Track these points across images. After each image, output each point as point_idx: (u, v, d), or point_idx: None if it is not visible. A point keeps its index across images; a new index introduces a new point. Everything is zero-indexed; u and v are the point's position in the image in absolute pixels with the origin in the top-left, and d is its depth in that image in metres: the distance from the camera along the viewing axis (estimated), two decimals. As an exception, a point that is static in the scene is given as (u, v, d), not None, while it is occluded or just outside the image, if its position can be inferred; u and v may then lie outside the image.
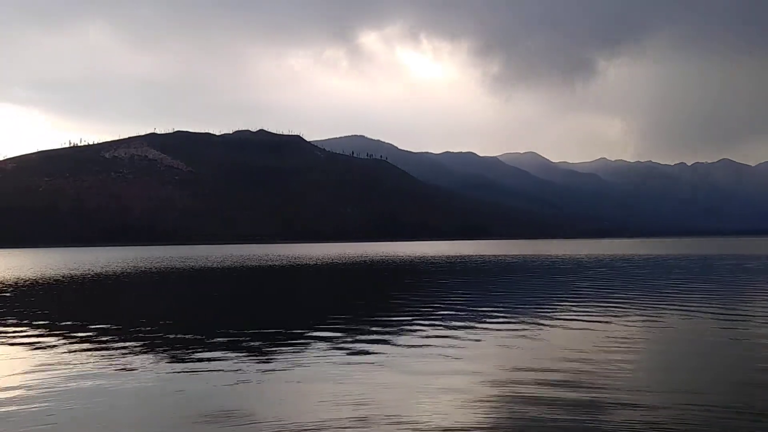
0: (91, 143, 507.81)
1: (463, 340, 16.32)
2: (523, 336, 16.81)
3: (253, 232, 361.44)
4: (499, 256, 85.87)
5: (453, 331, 17.77)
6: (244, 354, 14.81)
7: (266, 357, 14.43)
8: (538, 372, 12.39)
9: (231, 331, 18.81)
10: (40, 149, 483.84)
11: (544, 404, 10.14)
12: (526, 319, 19.91)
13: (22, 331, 19.13)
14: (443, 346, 15.35)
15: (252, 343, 16.30)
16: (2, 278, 48.04)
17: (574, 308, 22.79)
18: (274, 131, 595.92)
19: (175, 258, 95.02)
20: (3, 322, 21.54)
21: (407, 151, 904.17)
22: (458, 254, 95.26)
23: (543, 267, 55.56)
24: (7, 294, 33.81)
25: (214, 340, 17.05)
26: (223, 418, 9.66)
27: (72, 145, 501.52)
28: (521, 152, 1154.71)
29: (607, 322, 19.24)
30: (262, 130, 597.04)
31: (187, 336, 17.92)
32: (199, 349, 15.56)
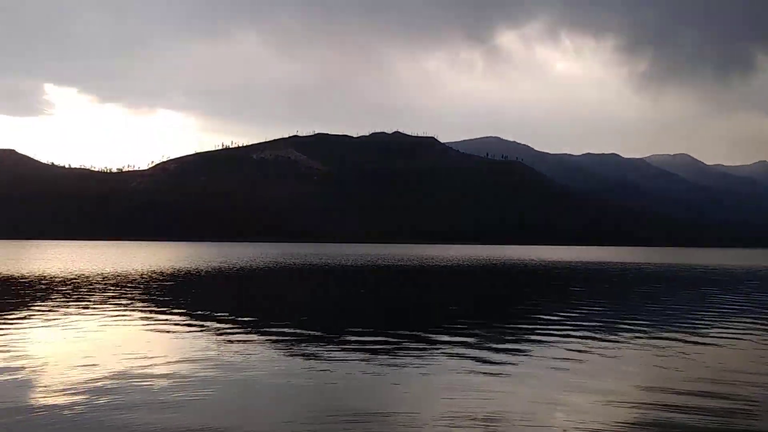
0: (241, 145, 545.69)
1: (599, 354, 15.49)
2: (665, 353, 15.62)
3: (386, 232, 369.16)
4: (641, 264, 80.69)
5: (588, 342, 16.92)
6: (376, 354, 15.11)
7: (398, 358, 14.62)
8: (681, 395, 11.44)
9: (365, 329, 19.30)
10: (197, 151, 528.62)
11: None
12: (668, 335, 18.49)
13: (172, 319, 20.95)
14: (577, 360, 14.66)
15: (385, 344, 16.58)
16: (160, 268, 53.01)
17: (723, 323, 20.83)
18: (409, 133, 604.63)
19: (312, 255, 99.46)
20: (155, 309, 23.74)
21: (544, 152, 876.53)
22: (596, 260, 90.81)
23: (690, 277, 51.41)
24: (166, 283, 37.22)
25: (348, 338, 17.58)
26: (355, 417, 9.93)
27: (225, 147, 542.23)
28: (671, 154, 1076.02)
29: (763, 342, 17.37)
30: (397, 132, 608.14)
31: (322, 332, 18.66)
32: (334, 346, 16.11)
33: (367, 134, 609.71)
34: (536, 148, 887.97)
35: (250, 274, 48.21)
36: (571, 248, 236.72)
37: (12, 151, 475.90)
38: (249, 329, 18.91)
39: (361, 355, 14.90)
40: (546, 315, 23.30)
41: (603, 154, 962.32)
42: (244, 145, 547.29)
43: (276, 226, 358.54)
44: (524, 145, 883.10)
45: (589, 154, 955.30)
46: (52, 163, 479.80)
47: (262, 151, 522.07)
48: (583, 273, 57.36)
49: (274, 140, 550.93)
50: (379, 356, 14.84)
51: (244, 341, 16.71)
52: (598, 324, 21.04)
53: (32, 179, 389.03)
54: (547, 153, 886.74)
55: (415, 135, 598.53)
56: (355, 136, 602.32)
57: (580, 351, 15.86)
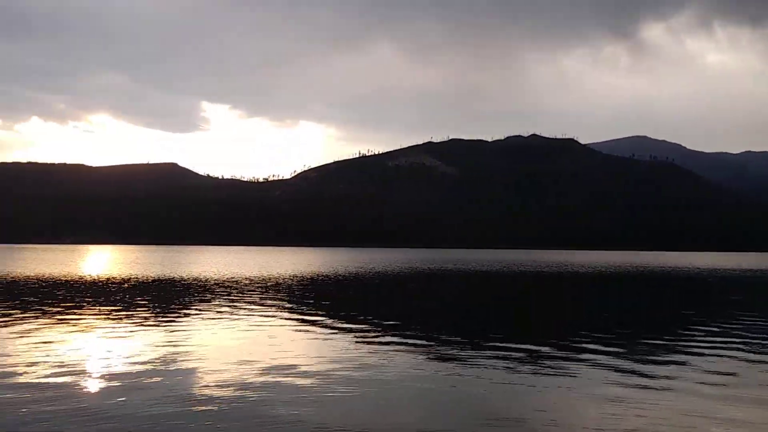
0: (377, 153, 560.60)
1: (759, 369, 13.92)
2: None
3: (523, 237, 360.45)
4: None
5: (748, 356, 15.26)
6: (517, 360, 14.71)
7: (540, 366, 14.12)
8: None
9: (504, 336, 18.90)
10: (336, 160, 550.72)
11: None
12: None
13: (315, 320, 21.81)
14: (735, 373, 13.26)
15: (526, 351, 16.09)
16: (303, 272, 55.68)
17: None
18: (547, 135, 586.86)
19: (448, 261, 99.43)
20: (300, 311, 24.85)
21: (698, 151, 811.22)
22: (760, 267, 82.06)
23: None
24: (309, 286, 39.02)
25: (487, 343, 17.27)
26: (494, 421, 9.71)
27: (361, 155, 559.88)
28: None
29: None
30: (534, 135, 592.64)
31: (460, 337, 18.50)
32: (472, 351, 15.91)
33: (503, 138, 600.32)
34: (689, 147, 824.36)
35: (386, 279, 49.19)
36: (730, 255, 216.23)
37: (174, 165, 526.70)
38: (388, 332, 19.23)
39: (501, 362, 14.56)
40: (702, 326, 21.39)
41: (765, 151, 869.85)
42: (380, 152, 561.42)
43: (411, 231, 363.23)
44: (675, 144, 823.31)
45: (749, 152, 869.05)
46: (208, 175, 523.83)
47: (397, 158, 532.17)
48: (745, 282, 52.08)
49: (409, 147, 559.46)
50: (520, 363, 14.42)
51: (384, 343, 17.01)
52: (759, 337, 18.94)
53: (191, 189, 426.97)
54: (702, 152, 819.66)
55: (554, 137, 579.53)
56: (490, 140, 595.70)
57: (738, 364, 14.39)
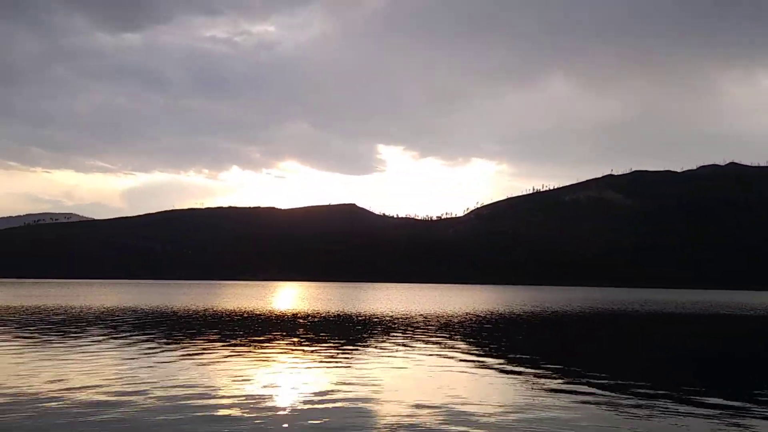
0: (552, 188, 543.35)
1: None
2: None
3: (718, 275, 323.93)
4: None
5: None
6: (717, 414, 13.04)
7: (747, 420, 12.36)
8: None
9: (701, 385, 16.89)
10: (508, 196, 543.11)
11: None
12: None
13: (489, 361, 21.23)
14: None
15: (730, 404, 14.24)
16: (477, 310, 54.96)
17: None
18: (748, 163, 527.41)
19: (631, 301, 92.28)
20: (473, 350, 24.38)
21: None
22: None
23: None
24: (483, 325, 38.37)
25: (681, 394, 15.54)
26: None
27: (535, 191, 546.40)
28: None
29: None
30: (732, 163, 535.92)
31: (647, 383, 16.87)
32: (666, 402, 14.41)
33: (695, 167, 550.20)
34: None
35: (564, 320, 46.81)
36: None
37: (353, 205, 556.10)
38: (566, 376, 18.13)
39: (701, 414, 12.96)
40: None
41: None
42: (555, 188, 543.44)
43: (590, 269, 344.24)
44: None
45: None
46: (384, 214, 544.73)
47: (574, 193, 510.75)
48: None
49: (587, 181, 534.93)
50: (722, 417, 12.71)
51: (568, 392, 16.03)
52: None
53: (369, 229, 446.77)
54: None
55: (756, 165, 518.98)
56: (679, 171, 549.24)
57: None
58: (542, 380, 17.40)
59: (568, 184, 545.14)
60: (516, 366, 20.17)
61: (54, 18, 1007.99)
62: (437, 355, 22.54)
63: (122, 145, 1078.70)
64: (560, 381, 17.37)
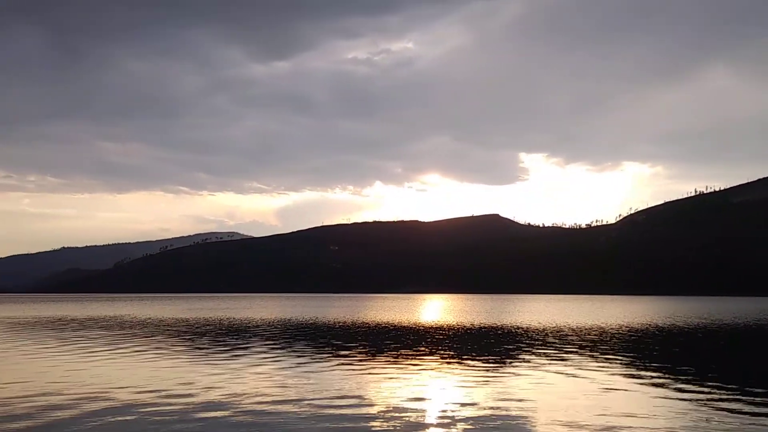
0: (717, 190, 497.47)
1: None
2: None
3: None
4: None
5: None
6: None
7: None
8: None
9: None
10: (666, 200, 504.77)
11: None
12: None
13: (647, 375, 19.67)
14: None
15: None
16: (632, 323, 51.35)
17: None
18: None
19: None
20: (636, 364, 22.72)
21: None
22: None
23: None
24: (635, 337, 35.78)
25: None
26: None
27: (698, 193, 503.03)
28: None
29: None
30: None
31: None
32: None
33: None
34: None
35: (738, 334, 42.26)
36: None
37: (496, 215, 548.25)
38: (744, 396, 16.28)
39: None
40: None
41: None
42: (721, 189, 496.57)
43: (765, 278, 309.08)
44: None
45: None
46: (529, 224, 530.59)
47: (744, 194, 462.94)
48: None
49: (759, 180, 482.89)
50: None
51: (740, 411, 14.42)
52: None
53: (513, 239, 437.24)
54: None
55: None
56: None
57: None
58: (714, 400, 15.78)
59: (735, 184, 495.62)
60: (682, 384, 18.50)
61: (213, 52, 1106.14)
62: (592, 370, 21.34)
63: (275, 167, 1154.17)
64: (736, 401, 15.63)
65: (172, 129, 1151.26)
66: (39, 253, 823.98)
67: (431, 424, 12.93)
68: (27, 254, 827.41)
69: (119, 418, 13.33)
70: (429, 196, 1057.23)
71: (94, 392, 16.44)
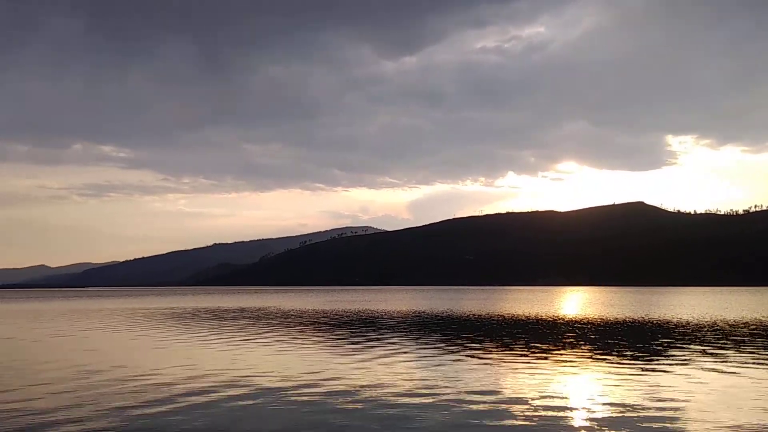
0: None
1: None
2: None
3: None
4: None
5: None
6: None
7: None
8: None
9: None
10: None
11: None
12: None
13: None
14: None
15: None
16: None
17: None
18: None
19: None
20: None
21: None
22: None
23: None
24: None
25: None
26: None
27: None
28: None
29: None
30: None
31: None
32: None
33: None
34: None
35: None
36: None
37: (641, 203, 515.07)
38: None
39: None
40: None
41: None
42: None
43: None
44: None
45: None
46: (678, 211, 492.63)
47: None
48: None
49: None
50: None
51: None
52: None
53: (661, 227, 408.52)
54: None
55: None
56: None
57: None
58: None
59: None
60: None
61: (344, 53, 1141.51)
62: (754, 368, 19.22)
63: (406, 162, 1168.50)
64: None
65: (308, 129, 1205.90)
66: (193, 249, 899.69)
67: (569, 423, 12.25)
68: (183, 250, 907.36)
69: (259, 402, 14.03)
70: (565, 185, 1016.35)
71: (238, 378, 17.48)
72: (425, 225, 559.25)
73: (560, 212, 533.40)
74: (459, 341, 28.42)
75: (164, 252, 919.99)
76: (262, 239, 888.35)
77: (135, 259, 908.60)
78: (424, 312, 56.16)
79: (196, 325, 40.37)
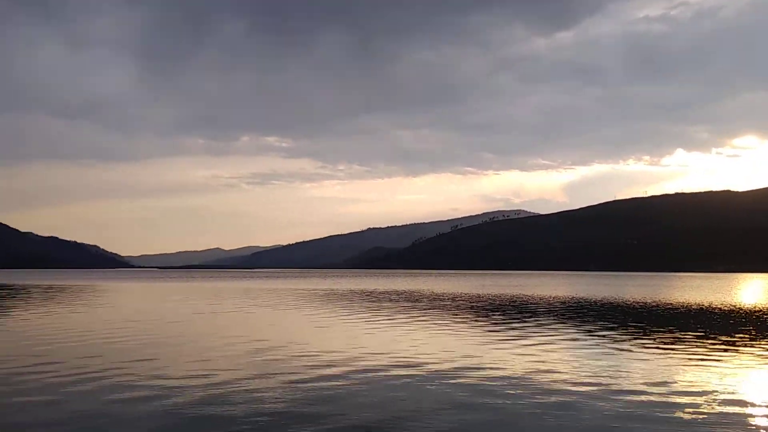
0: None
1: None
2: None
3: None
4: None
5: None
6: None
7: None
8: None
9: None
10: None
11: None
12: None
13: None
14: None
15: None
16: None
17: None
18: None
19: None
20: None
21: None
22: None
23: None
24: None
25: None
26: None
27: None
28: None
29: None
30: None
31: None
32: None
33: None
34: None
35: None
36: None
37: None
38: None
39: None
40: None
41: None
42: None
43: None
44: None
45: None
46: None
47: None
48: None
49: None
50: None
51: None
52: None
53: None
54: None
55: None
56: None
57: None
58: None
59: None
60: None
61: (495, 33, 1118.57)
62: None
63: (560, 142, 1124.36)
64: None
65: (458, 113, 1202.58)
66: (349, 233, 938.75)
67: (747, 421, 10.95)
68: (339, 235, 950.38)
69: (421, 383, 14.21)
70: (743, 162, 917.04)
71: (399, 359, 17.86)
72: (582, 208, 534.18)
73: (738, 192, 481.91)
74: (625, 330, 26.79)
75: (321, 236, 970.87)
76: (414, 223, 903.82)
77: (296, 243, 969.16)
78: (584, 298, 53.76)
79: (355, 306, 42.11)
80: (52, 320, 30.43)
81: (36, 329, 26.00)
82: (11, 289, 68.80)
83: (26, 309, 38.20)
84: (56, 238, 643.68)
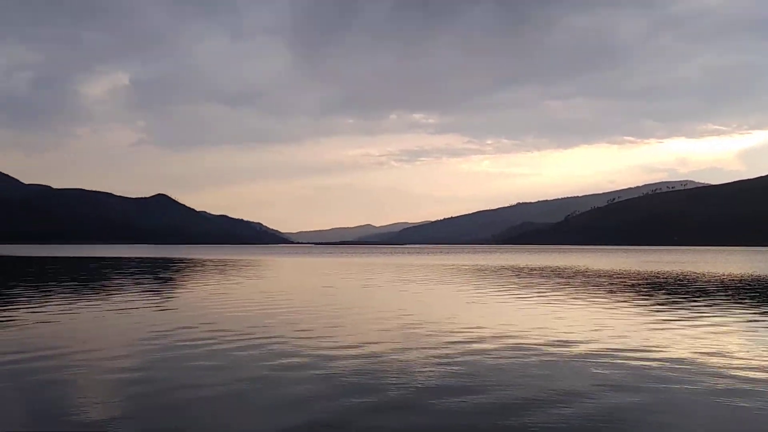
0: None
1: None
2: None
3: None
4: None
5: None
6: None
7: None
8: None
9: None
10: None
11: None
12: None
13: None
14: None
15: None
16: None
17: None
18: None
19: None
20: None
21: None
22: None
23: None
24: None
25: None
26: None
27: None
28: None
29: None
30: None
31: None
32: None
33: None
34: None
35: None
36: None
37: None
38: None
39: None
40: None
41: None
42: None
43: None
44: None
45: None
46: None
47: None
48: None
49: None
50: None
51: None
52: None
53: None
54: None
55: None
56: None
57: None
58: None
59: None
60: None
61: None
62: None
63: (735, 104, 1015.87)
64: None
65: (614, 79, 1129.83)
66: (498, 209, 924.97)
67: None
68: (488, 210, 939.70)
69: (577, 364, 13.51)
70: None
71: (552, 338, 17.17)
72: (761, 176, 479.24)
73: None
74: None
75: (470, 212, 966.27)
76: (566, 197, 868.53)
77: (444, 219, 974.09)
78: (763, 276, 48.27)
79: (505, 282, 41.37)
80: (225, 290, 33.33)
81: (210, 299, 28.58)
82: (191, 263, 76.39)
83: (204, 281, 42.21)
84: (226, 216, 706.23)
